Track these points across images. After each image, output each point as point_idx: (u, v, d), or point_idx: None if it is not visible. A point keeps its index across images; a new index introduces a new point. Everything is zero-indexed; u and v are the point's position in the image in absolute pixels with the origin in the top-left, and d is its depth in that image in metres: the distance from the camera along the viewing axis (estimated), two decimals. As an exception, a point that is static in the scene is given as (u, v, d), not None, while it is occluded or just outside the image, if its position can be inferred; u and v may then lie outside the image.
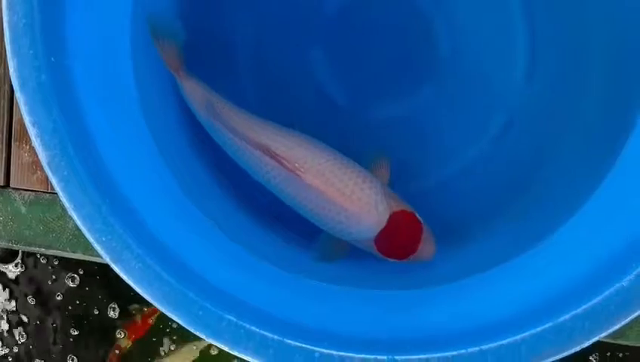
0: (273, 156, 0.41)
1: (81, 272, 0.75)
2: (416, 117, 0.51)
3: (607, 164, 0.37)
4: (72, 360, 0.75)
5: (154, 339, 0.75)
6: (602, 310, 0.29)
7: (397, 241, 0.41)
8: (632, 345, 0.56)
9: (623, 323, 0.30)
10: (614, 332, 0.54)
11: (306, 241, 0.44)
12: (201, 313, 0.32)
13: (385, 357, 0.31)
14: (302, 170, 0.41)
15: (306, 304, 0.35)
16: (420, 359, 0.30)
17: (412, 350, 0.31)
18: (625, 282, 0.29)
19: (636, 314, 0.29)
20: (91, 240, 0.32)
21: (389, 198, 0.42)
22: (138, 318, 0.75)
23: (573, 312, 0.29)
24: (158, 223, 0.35)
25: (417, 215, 0.42)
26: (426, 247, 0.42)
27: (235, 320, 0.31)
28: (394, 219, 0.41)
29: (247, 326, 0.31)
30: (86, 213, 0.32)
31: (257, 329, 0.31)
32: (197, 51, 0.46)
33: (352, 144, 0.48)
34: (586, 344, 0.29)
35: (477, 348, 0.30)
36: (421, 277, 0.40)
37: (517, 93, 0.49)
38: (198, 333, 0.32)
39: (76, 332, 0.75)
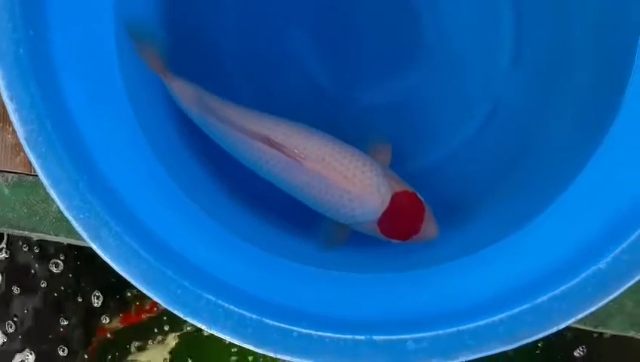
0: (272, 145, 0.41)
1: (63, 257, 0.74)
2: (402, 103, 0.51)
3: (587, 153, 0.37)
4: (63, 350, 0.75)
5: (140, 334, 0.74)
6: (579, 291, 0.30)
7: (400, 222, 0.42)
8: (613, 333, 0.56)
9: (600, 304, 0.30)
10: (597, 322, 0.55)
11: (288, 223, 0.44)
12: (179, 291, 0.32)
13: (363, 337, 0.31)
14: (302, 156, 0.41)
15: (286, 284, 0.35)
16: (397, 339, 0.30)
17: (390, 330, 0.31)
18: (602, 264, 0.30)
19: (612, 296, 0.30)
20: (69, 217, 0.32)
21: (391, 180, 0.42)
22: (132, 307, 0.74)
23: (551, 294, 0.30)
24: (137, 201, 0.34)
25: (419, 195, 0.43)
26: (429, 227, 0.42)
27: (213, 299, 0.31)
28: (396, 200, 0.41)
29: (226, 305, 0.31)
30: (64, 190, 0.32)
31: (236, 309, 0.31)
32: (179, 47, 0.45)
33: (339, 129, 0.48)
34: (563, 325, 0.30)
35: (455, 329, 0.30)
36: (401, 261, 0.40)
37: (502, 79, 0.49)
38: (176, 312, 0.32)
39: (65, 322, 0.74)
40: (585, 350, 0.68)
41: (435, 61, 0.50)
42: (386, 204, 0.41)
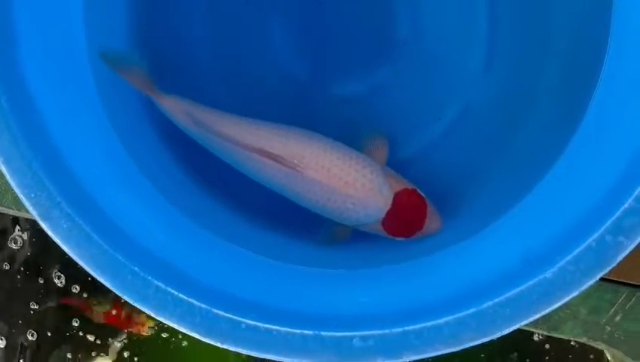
0: (270, 156, 0.41)
1: (26, 236, 0.73)
2: (373, 97, 0.51)
3: (544, 166, 0.38)
4: (33, 335, 0.73)
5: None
6: (524, 299, 0.30)
7: (404, 220, 0.42)
8: (565, 338, 0.57)
9: (544, 312, 0.30)
10: (550, 327, 0.56)
11: (248, 211, 0.44)
12: (129, 277, 0.31)
13: (311, 332, 0.31)
14: (301, 165, 0.41)
15: (239, 275, 0.35)
16: (344, 336, 0.31)
17: (338, 327, 0.31)
18: (548, 274, 0.30)
19: (557, 305, 0.30)
20: (20, 195, 0.32)
21: (390, 179, 0.43)
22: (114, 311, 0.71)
23: (497, 299, 0.30)
24: (93, 183, 0.34)
25: (419, 191, 0.43)
26: (432, 222, 0.43)
27: (163, 286, 0.31)
28: (398, 199, 0.42)
29: (175, 293, 0.31)
30: (16, 167, 0.31)
31: (185, 297, 0.31)
32: (153, 59, 0.44)
33: (314, 122, 0.48)
34: (507, 330, 0.30)
35: (401, 329, 0.30)
36: (355, 259, 0.40)
37: (473, 82, 0.49)
38: (125, 297, 0.32)
39: (35, 306, 0.73)
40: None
41: (408, 58, 0.50)
42: (389, 205, 0.42)
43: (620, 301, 0.57)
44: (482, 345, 0.30)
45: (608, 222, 0.30)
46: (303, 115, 0.50)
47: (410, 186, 0.43)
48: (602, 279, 0.58)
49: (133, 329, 0.70)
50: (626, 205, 0.30)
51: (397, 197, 0.42)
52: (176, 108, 0.43)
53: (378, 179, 0.42)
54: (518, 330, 0.31)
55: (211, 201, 0.44)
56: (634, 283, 0.57)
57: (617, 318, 0.57)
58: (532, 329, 0.58)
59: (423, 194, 0.43)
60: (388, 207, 0.42)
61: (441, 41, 0.50)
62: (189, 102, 0.43)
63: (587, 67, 0.40)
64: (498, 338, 0.30)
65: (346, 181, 0.41)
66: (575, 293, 0.30)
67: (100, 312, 0.71)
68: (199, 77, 0.50)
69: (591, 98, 0.38)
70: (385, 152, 0.46)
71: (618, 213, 0.30)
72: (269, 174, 0.42)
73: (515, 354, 0.68)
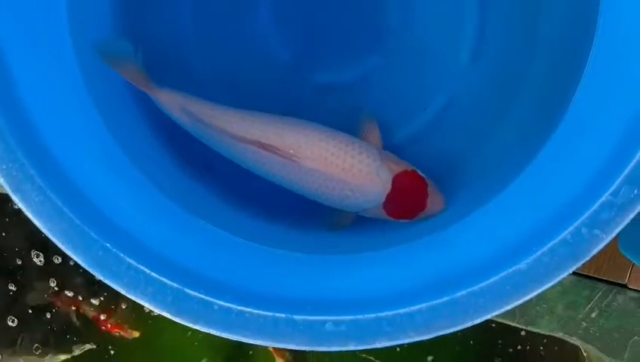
0: (266, 148, 0.41)
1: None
2: (362, 85, 0.50)
3: (525, 160, 0.38)
4: (13, 321, 0.72)
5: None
6: (498, 289, 0.30)
7: (405, 202, 0.42)
8: (542, 332, 0.58)
9: (517, 303, 0.30)
10: (527, 321, 0.57)
11: (224, 191, 0.44)
12: (100, 253, 0.31)
13: (283, 315, 0.31)
14: (298, 155, 0.41)
15: (213, 255, 0.35)
16: (316, 320, 0.30)
17: (311, 311, 0.31)
18: (522, 265, 0.30)
19: (530, 296, 0.30)
20: (-9, 167, 0.31)
21: (388, 162, 0.42)
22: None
23: (470, 289, 0.30)
24: (68, 157, 0.33)
25: (418, 171, 0.43)
26: (434, 201, 0.42)
27: (135, 264, 0.31)
28: (397, 182, 0.42)
29: (148, 271, 0.31)
30: (-14, 138, 0.30)
31: (157, 276, 0.31)
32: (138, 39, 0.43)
33: (303, 109, 0.48)
34: (478, 320, 0.30)
35: (374, 315, 0.30)
36: (331, 245, 0.40)
37: (460, 74, 0.49)
38: (96, 274, 0.31)
39: (13, 287, 0.71)
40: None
41: (397, 47, 0.50)
42: (388, 188, 0.42)
43: (596, 298, 0.58)
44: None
45: (585, 215, 0.30)
46: (291, 102, 0.49)
47: (409, 168, 0.43)
48: (580, 275, 0.59)
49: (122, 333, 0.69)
50: (603, 199, 0.30)
51: (396, 179, 0.42)
52: (171, 102, 0.42)
53: (375, 163, 0.41)
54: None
55: (189, 180, 0.44)
56: (612, 280, 0.58)
57: (593, 315, 0.58)
58: (509, 323, 0.59)
59: (423, 175, 0.43)
60: (387, 191, 0.42)
61: (430, 31, 0.50)
62: (184, 95, 0.43)
63: (571, 65, 0.40)
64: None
65: (343, 168, 0.41)
66: (548, 285, 0.30)
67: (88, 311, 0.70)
68: (189, 67, 0.49)
69: (573, 95, 0.38)
70: (378, 135, 0.45)
71: (595, 207, 0.30)
72: (267, 166, 0.42)
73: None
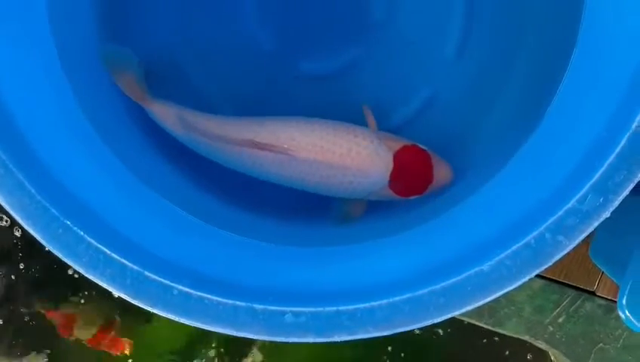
0: (260, 146, 0.40)
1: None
2: (343, 77, 0.50)
3: (500, 165, 0.38)
4: None
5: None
6: (459, 289, 0.30)
7: (410, 178, 0.41)
8: (508, 334, 0.58)
9: (478, 304, 0.30)
10: (495, 322, 0.57)
11: (198, 176, 0.43)
12: (60, 231, 0.30)
13: (243, 304, 0.30)
14: (293, 148, 0.40)
15: (175, 239, 0.34)
16: (276, 310, 0.30)
17: (272, 301, 0.30)
18: (485, 267, 0.30)
19: (490, 298, 0.30)
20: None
21: (386, 140, 0.42)
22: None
23: (431, 288, 0.30)
24: (33, 129, 0.32)
25: (419, 145, 0.42)
26: (441, 172, 0.41)
27: (95, 243, 0.30)
28: (399, 158, 0.41)
29: (108, 252, 0.30)
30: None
31: (117, 257, 0.30)
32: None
33: (287, 101, 0.47)
34: (438, 319, 0.30)
35: (335, 308, 0.30)
36: (299, 237, 0.40)
37: (444, 69, 0.49)
38: (55, 252, 0.31)
39: None
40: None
41: (382, 41, 0.49)
42: (391, 166, 0.41)
43: (564, 303, 0.58)
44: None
45: (550, 221, 0.30)
46: (280, 95, 0.49)
47: (408, 143, 0.42)
48: (550, 280, 0.59)
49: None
50: (569, 205, 0.30)
51: (397, 155, 0.41)
52: (165, 114, 0.42)
53: (373, 143, 0.41)
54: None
55: (159, 161, 0.43)
56: (581, 287, 0.59)
57: (560, 319, 0.58)
58: (476, 323, 0.59)
59: (424, 147, 0.42)
60: (390, 169, 0.41)
61: (416, 26, 0.49)
62: (178, 107, 0.42)
63: (552, 69, 0.40)
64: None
65: (341, 153, 0.40)
66: (510, 288, 0.30)
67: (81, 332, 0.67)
68: (177, 65, 0.48)
69: (552, 98, 0.38)
70: (373, 117, 0.44)
71: (560, 213, 0.30)
72: (265, 166, 0.41)
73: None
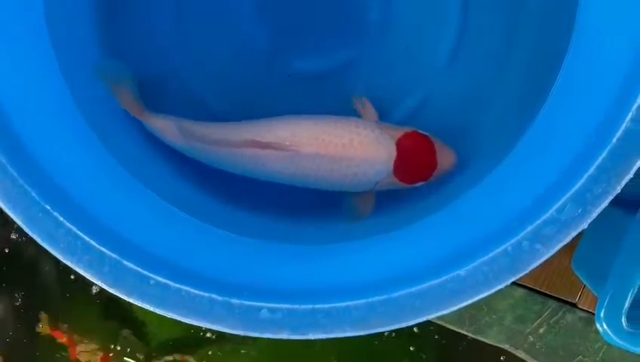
0: (261, 145, 0.40)
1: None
2: (338, 76, 0.50)
3: (486, 170, 0.38)
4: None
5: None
6: (436, 293, 0.30)
7: (414, 164, 0.41)
8: (489, 342, 0.59)
9: (454, 308, 0.30)
10: (476, 329, 0.57)
11: (180, 167, 0.43)
12: (40, 215, 0.30)
13: (220, 298, 0.30)
14: (294, 144, 0.40)
15: (155, 230, 0.34)
16: (252, 305, 0.30)
17: (248, 296, 0.31)
18: (462, 271, 0.30)
19: (466, 303, 0.30)
20: None
21: (388, 129, 0.42)
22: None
23: (408, 290, 0.30)
24: (18, 115, 0.32)
25: (420, 131, 0.42)
26: (445, 156, 0.42)
27: (74, 229, 0.30)
28: (402, 144, 0.41)
29: (86, 238, 0.30)
30: None
31: (96, 244, 0.30)
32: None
33: (281, 99, 0.47)
34: (414, 321, 0.30)
35: (311, 306, 0.30)
36: (280, 232, 0.40)
37: (437, 73, 0.49)
38: (34, 237, 0.31)
39: None
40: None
41: (374, 43, 0.49)
42: (394, 154, 0.41)
43: (546, 314, 0.58)
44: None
45: (528, 229, 0.30)
46: (269, 92, 0.49)
47: (410, 130, 0.42)
48: (532, 290, 0.59)
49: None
50: (547, 214, 0.30)
51: (400, 143, 0.41)
52: (164, 127, 0.42)
53: (374, 132, 0.41)
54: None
55: (144, 149, 0.43)
56: (563, 298, 0.59)
57: (541, 330, 0.59)
58: (458, 330, 0.59)
59: (426, 133, 0.42)
60: (394, 157, 0.41)
61: (411, 28, 0.50)
62: (176, 118, 0.42)
63: (544, 76, 0.40)
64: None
65: (343, 144, 0.40)
66: (485, 294, 0.30)
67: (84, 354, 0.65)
68: (173, 68, 0.48)
69: (542, 105, 0.39)
70: (373, 108, 0.44)
71: (539, 222, 0.30)
72: (267, 166, 0.41)
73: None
